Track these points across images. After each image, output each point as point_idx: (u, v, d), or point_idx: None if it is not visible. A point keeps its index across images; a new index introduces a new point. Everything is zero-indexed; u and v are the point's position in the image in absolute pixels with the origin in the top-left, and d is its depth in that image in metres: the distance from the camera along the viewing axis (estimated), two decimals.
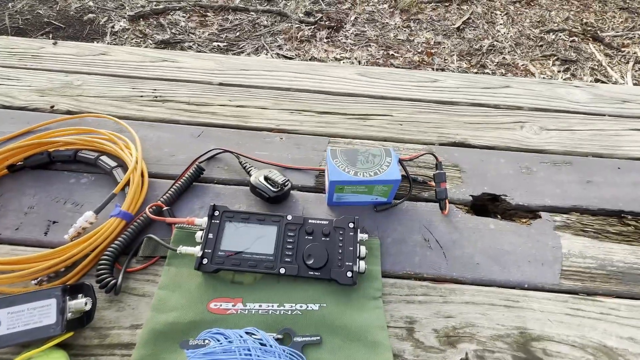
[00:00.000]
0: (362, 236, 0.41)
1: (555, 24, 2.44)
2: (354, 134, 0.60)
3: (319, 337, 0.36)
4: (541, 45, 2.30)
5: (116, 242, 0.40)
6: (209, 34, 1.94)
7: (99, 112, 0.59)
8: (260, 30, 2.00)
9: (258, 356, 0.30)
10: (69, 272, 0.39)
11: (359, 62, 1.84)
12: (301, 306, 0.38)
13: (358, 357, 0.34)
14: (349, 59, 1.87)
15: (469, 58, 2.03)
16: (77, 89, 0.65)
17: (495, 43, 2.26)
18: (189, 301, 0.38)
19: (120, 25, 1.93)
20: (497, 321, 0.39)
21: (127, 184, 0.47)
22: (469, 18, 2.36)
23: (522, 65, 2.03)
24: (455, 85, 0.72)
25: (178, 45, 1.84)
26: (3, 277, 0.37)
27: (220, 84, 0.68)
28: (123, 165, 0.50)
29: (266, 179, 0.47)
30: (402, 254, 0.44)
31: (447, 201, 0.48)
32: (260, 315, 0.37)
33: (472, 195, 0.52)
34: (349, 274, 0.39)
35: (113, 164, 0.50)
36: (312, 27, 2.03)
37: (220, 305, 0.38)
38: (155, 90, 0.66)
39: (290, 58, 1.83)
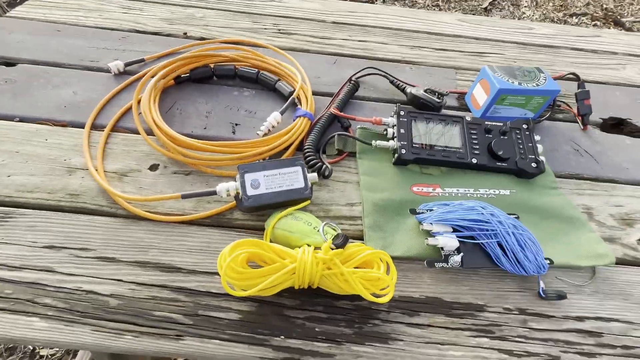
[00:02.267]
0: (537, 137, 0.45)
1: (578, 8, 2.49)
2: (476, 67, 0.64)
3: (517, 215, 0.39)
4: None
5: (312, 134, 0.43)
6: None
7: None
8: None
9: (494, 214, 0.34)
10: None
11: None
12: (494, 191, 0.41)
13: (559, 228, 0.39)
14: None
15: None
16: (201, 20, 0.66)
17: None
18: (393, 185, 0.41)
19: None
20: None
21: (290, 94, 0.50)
22: None
23: None
24: (551, 33, 0.76)
25: None
26: (223, 157, 0.40)
27: (334, 22, 0.71)
28: (283, 81, 0.53)
29: (427, 90, 0.50)
30: (557, 159, 0.48)
31: (589, 117, 0.52)
32: (460, 197, 0.40)
33: (601, 118, 0.56)
34: (534, 164, 0.42)
35: (275, 77, 0.52)
36: None
37: (422, 189, 0.41)
38: (276, 24, 0.68)
39: None
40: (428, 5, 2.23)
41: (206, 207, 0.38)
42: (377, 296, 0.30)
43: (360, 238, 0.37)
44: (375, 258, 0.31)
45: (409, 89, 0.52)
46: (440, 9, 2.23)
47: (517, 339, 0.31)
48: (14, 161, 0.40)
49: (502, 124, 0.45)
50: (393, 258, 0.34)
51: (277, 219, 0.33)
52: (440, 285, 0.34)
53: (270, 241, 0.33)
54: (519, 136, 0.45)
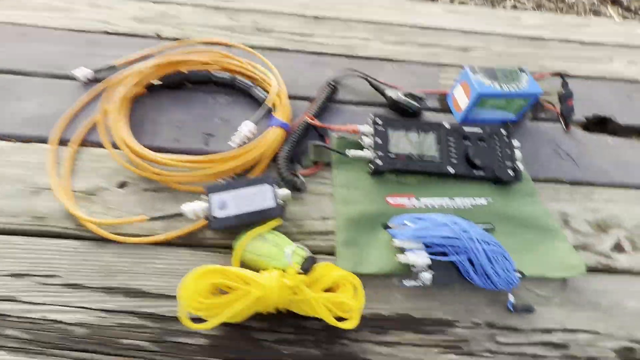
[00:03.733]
0: (516, 142, 0.44)
1: None
2: (460, 64, 0.62)
3: (492, 226, 0.39)
4: (562, 8, 2.29)
5: (286, 146, 0.42)
6: None
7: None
8: None
9: (465, 230, 0.34)
10: (246, 174, 0.41)
11: None
12: (471, 201, 0.41)
13: (532, 239, 0.38)
14: None
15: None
16: (174, 18, 0.63)
17: (517, 4, 2.24)
18: (368, 197, 0.40)
19: None
20: (637, 214, 0.43)
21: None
22: None
23: None
24: (539, 24, 0.74)
25: None
26: (194, 174, 0.39)
27: (315, 17, 0.68)
28: (258, 87, 0.51)
29: (407, 95, 0.49)
30: (537, 163, 0.48)
31: (572, 118, 0.51)
32: (436, 209, 0.40)
33: (585, 117, 0.55)
34: (511, 172, 0.42)
35: (250, 83, 0.50)
36: None
37: (397, 200, 0.41)
38: (254, 21, 0.65)
39: None
40: None
41: (176, 226, 0.37)
42: (343, 320, 0.29)
43: (333, 253, 0.37)
44: (344, 281, 0.31)
45: (389, 92, 0.51)
46: None
47: (484, 354, 0.32)
48: None
49: (480, 131, 0.44)
50: (365, 275, 0.34)
51: (245, 240, 0.33)
52: (411, 301, 0.34)
53: (241, 263, 0.33)
54: (497, 142, 0.44)
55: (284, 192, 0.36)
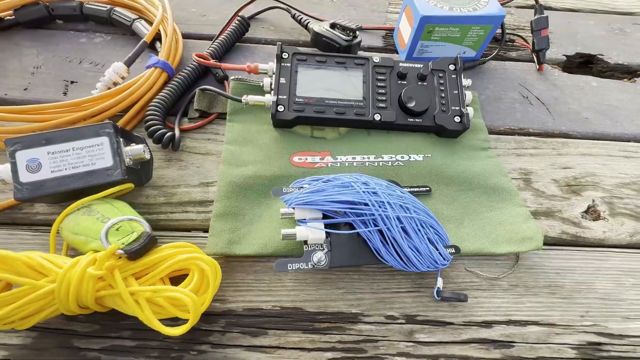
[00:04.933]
0: (466, 81, 0.34)
1: None
2: None
3: (428, 188, 0.30)
4: None
5: (164, 92, 0.32)
6: None
7: None
8: None
9: (375, 192, 0.25)
10: None
11: None
12: (402, 157, 0.32)
13: (478, 203, 0.30)
14: None
15: None
16: None
17: None
18: (267, 155, 0.31)
19: None
20: (619, 170, 0.34)
21: (157, 38, 0.38)
22: None
23: None
24: None
25: None
26: (15, 127, 0.29)
27: None
28: (144, 20, 0.40)
29: (333, 26, 0.38)
30: (500, 110, 0.38)
31: (545, 53, 0.41)
32: (355, 167, 0.31)
33: (565, 55, 0.45)
34: (457, 118, 0.32)
35: (133, 16, 0.39)
36: None
37: (306, 159, 0.31)
38: None
39: None
40: None
41: None
42: (172, 324, 0.21)
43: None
44: (193, 266, 0.22)
45: (313, 26, 0.40)
46: None
47: (395, 358, 0.24)
48: None
49: (419, 66, 0.34)
50: (243, 257, 0.25)
51: (63, 214, 0.24)
52: (304, 290, 0.25)
53: (66, 246, 0.24)
54: (442, 81, 0.34)
55: (135, 148, 0.26)
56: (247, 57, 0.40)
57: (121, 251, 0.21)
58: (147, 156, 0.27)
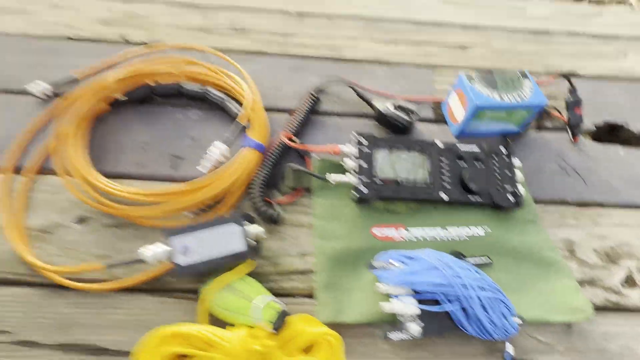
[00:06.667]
0: (517, 162, 0.40)
1: None
2: (457, 65, 0.56)
3: (489, 258, 0.36)
4: None
5: (262, 172, 0.38)
6: None
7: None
8: None
9: (458, 275, 0.30)
10: (217, 205, 0.37)
11: None
12: (467, 231, 0.37)
13: (534, 275, 0.35)
14: None
15: None
16: (143, 19, 0.58)
17: None
18: (351, 229, 0.37)
19: None
20: None
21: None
22: None
23: None
24: (546, 14, 0.68)
25: None
26: (161, 207, 0.35)
27: (299, 14, 0.62)
28: (231, 99, 0.46)
29: (397, 107, 0.44)
30: (541, 181, 0.44)
31: (580, 127, 0.46)
32: (428, 242, 0.36)
33: (595, 125, 0.50)
34: (511, 197, 0.38)
35: (223, 95, 0.46)
36: None
37: (385, 231, 0.37)
38: (231, 20, 0.59)
39: None
40: None
41: (139, 267, 0.34)
42: None
43: (313, 296, 0.33)
44: (320, 339, 0.27)
45: (376, 103, 0.46)
46: None
47: None
48: None
49: (476, 149, 0.40)
50: (347, 325, 0.31)
51: (210, 293, 0.29)
52: (398, 353, 0.31)
53: (210, 315, 0.30)
54: (496, 162, 0.39)
55: (256, 230, 0.32)
56: (319, 129, 0.46)
57: (272, 330, 0.26)
58: (264, 235, 0.33)
